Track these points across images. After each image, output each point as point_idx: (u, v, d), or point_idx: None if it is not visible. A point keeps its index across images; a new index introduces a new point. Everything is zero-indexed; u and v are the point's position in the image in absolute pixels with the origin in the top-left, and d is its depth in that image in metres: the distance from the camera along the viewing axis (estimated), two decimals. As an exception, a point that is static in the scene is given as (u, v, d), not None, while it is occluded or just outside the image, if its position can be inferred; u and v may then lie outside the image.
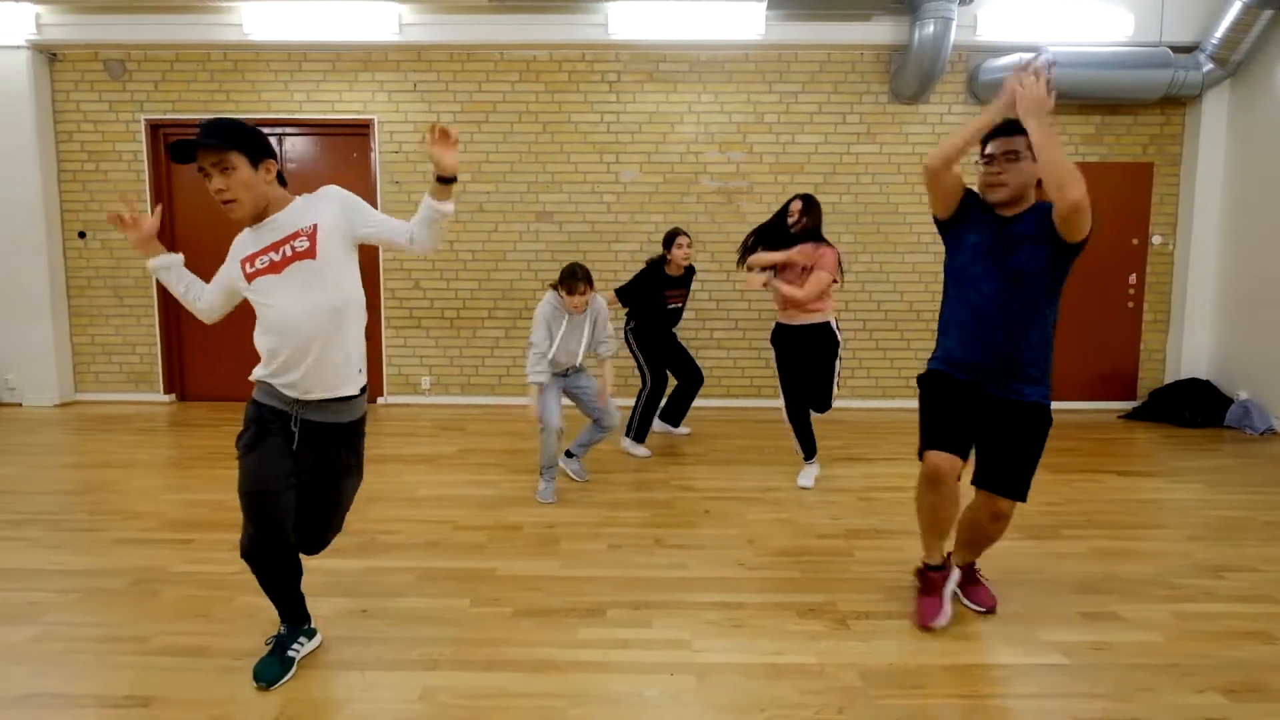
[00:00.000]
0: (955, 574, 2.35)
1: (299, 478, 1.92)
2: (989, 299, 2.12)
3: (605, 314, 3.65)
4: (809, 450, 3.76)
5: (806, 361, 3.65)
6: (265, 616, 2.32)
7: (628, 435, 4.34)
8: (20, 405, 5.65)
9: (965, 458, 2.19)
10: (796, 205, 3.65)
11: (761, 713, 1.82)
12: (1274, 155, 5.06)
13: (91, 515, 3.27)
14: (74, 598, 2.46)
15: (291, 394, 1.89)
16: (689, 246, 4.29)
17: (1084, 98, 5.39)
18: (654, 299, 4.32)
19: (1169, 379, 5.70)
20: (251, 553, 1.92)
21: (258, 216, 1.88)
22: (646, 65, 5.55)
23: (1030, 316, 2.10)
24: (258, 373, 1.93)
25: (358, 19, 5.24)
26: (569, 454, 3.81)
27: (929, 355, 2.37)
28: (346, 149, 5.72)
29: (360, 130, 5.65)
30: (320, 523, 2.04)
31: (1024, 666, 2.04)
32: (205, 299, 2.05)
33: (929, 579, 2.31)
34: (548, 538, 3.02)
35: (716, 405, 5.71)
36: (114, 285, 5.76)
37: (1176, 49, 5.31)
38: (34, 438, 4.72)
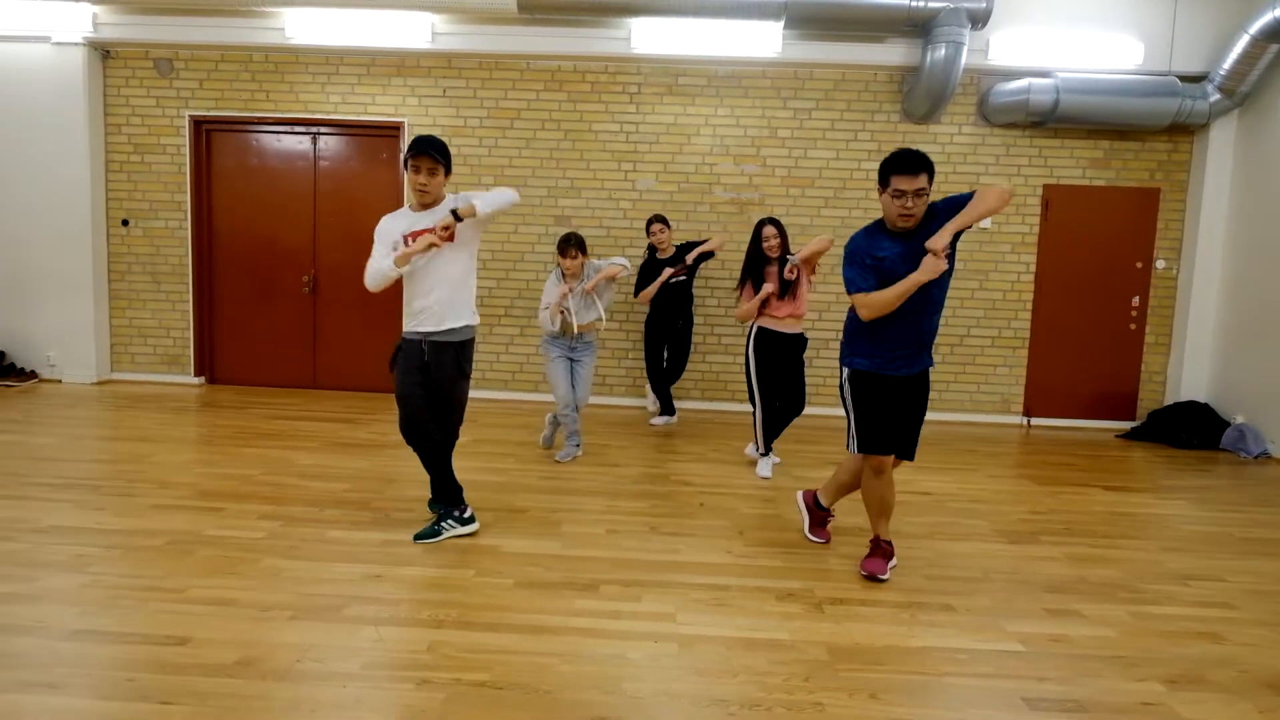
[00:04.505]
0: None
1: (428, 384, 2.89)
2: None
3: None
4: (768, 445, 4.17)
5: (789, 363, 4.08)
6: (289, 576, 2.54)
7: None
8: (60, 381, 5.96)
9: None
10: (772, 230, 4.07)
11: (734, 677, 2.00)
12: (1278, 186, 5.16)
13: (129, 483, 3.52)
14: (116, 553, 2.70)
15: (425, 328, 2.86)
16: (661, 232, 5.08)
17: (1092, 123, 5.51)
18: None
19: (1168, 400, 5.79)
20: (403, 431, 2.94)
21: (429, 205, 2.88)
22: (666, 79, 5.77)
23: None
24: (407, 319, 2.93)
25: (393, 26, 5.51)
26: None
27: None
28: (376, 149, 5.99)
29: (391, 132, 5.91)
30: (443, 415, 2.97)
31: (982, 651, 2.20)
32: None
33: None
34: (550, 520, 3.22)
35: (721, 409, 5.89)
36: (152, 271, 6.06)
37: (1185, 78, 5.43)
38: (73, 412, 5.00)
